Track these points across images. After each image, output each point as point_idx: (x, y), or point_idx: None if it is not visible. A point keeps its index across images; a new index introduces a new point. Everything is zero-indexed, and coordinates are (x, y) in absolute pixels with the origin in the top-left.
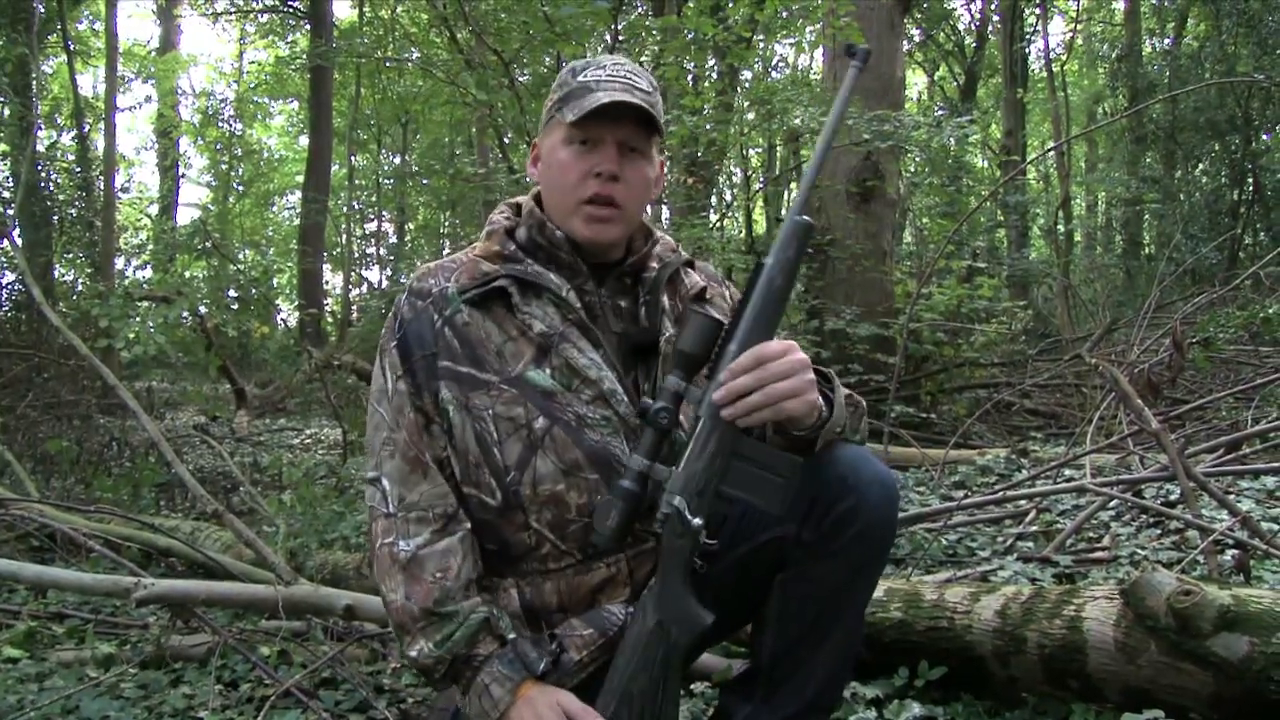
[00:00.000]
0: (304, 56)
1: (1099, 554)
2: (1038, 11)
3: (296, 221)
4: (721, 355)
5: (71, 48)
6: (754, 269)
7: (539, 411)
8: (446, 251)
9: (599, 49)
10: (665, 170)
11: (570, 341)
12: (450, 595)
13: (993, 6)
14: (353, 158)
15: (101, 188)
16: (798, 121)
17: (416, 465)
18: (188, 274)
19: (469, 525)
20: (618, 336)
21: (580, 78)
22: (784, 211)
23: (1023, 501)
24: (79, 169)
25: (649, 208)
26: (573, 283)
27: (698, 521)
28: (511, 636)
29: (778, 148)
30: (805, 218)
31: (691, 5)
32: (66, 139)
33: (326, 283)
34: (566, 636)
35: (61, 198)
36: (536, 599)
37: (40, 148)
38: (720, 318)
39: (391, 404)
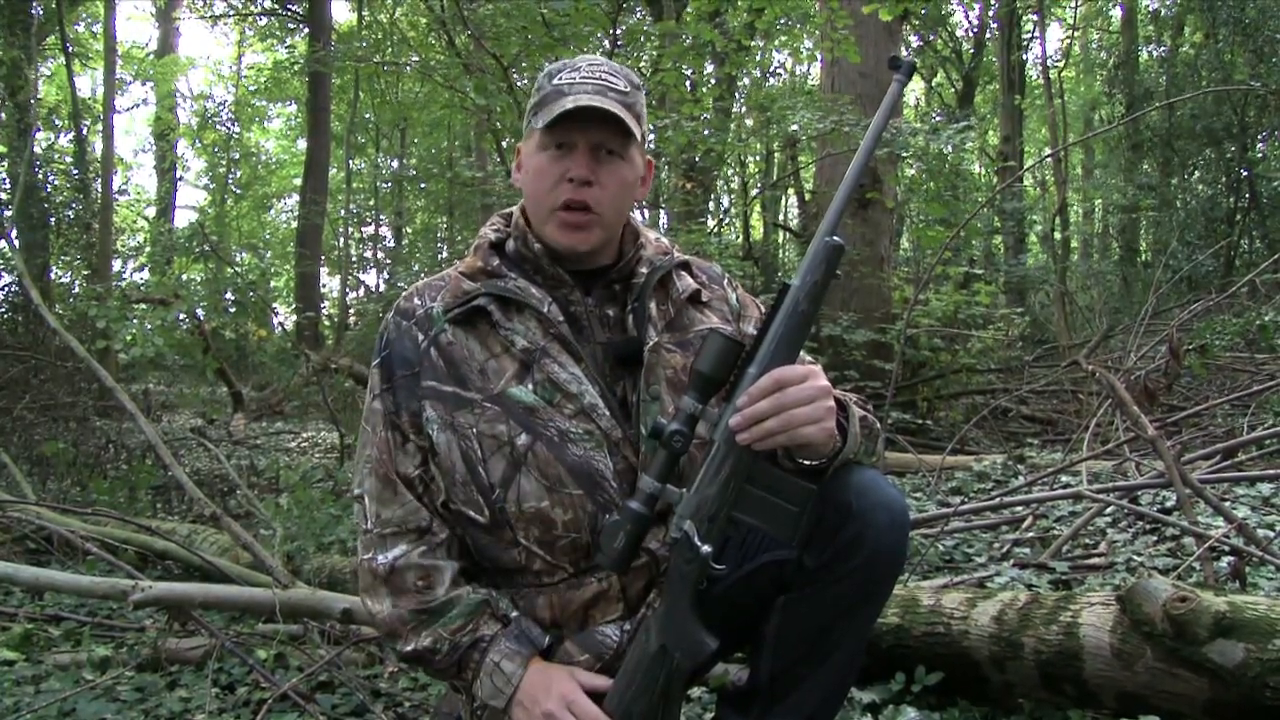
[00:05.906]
0: (302, 60)
1: (1095, 560)
2: (1035, 18)
3: (294, 224)
4: (740, 378)
5: (70, 49)
6: (779, 290)
7: (521, 428)
8: (444, 255)
9: (598, 54)
10: (653, 169)
11: (551, 356)
12: (436, 596)
13: (990, 13)
14: (350, 161)
15: (99, 190)
16: (795, 128)
17: (388, 483)
18: (185, 276)
19: (444, 535)
20: (603, 347)
21: (554, 81)
22: (781, 218)
23: (1019, 508)
24: (76, 171)
25: (645, 211)
26: (556, 294)
27: (707, 548)
28: (514, 614)
29: (775, 154)
30: (836, 239)
31: (690, 11)
32: (64, 141)
33: (324, 286)
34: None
35: (59, 199)
36: (529, 613)
37: (38, 149)
38: (739, 339)
39: (370, 422)
